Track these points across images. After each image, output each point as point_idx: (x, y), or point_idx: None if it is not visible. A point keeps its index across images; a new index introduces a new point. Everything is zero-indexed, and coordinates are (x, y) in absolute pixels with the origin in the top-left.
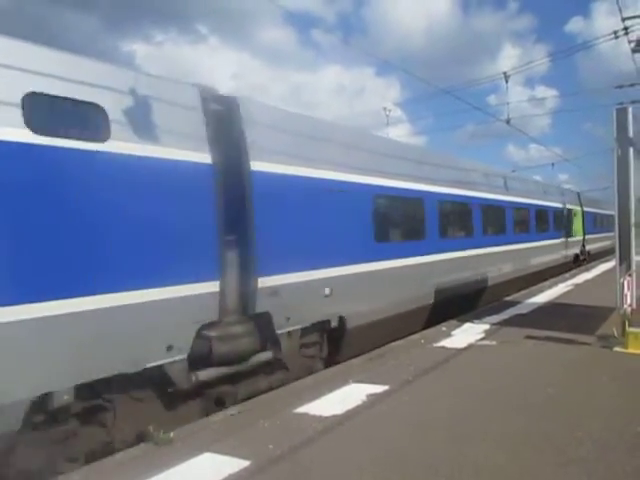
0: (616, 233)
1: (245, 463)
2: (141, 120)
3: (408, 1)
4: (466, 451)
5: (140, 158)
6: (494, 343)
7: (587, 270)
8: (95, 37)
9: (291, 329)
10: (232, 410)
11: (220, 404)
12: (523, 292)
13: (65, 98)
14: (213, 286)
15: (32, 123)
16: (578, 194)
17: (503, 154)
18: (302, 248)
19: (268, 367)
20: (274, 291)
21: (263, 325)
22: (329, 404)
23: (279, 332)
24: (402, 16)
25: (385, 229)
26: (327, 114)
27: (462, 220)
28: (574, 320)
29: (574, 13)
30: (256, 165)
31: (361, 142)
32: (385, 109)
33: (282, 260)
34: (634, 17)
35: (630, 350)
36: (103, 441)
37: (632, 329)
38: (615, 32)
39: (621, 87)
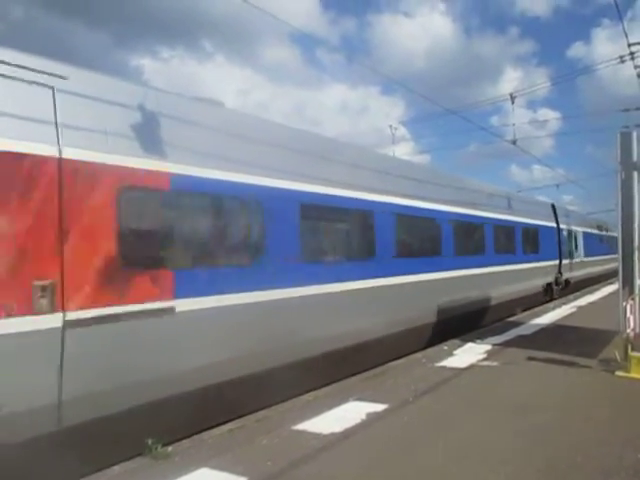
0: (619, 256)
1: None
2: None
3: (411, 24)
4: (464, 471)
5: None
6: (496, 364)
7: (590, 293)
8: (106, 51)
9: None
10: (230, 425)
11: None
12: (526, 313)
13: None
14: None
15: None
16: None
17: (506, 174)
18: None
19: None
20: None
21: None
22: (328, 422)
23: None
24: (405, 38)
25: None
26: (331, 132)
27: None
28: (576, 342)
29: (575, 39)
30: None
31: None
32: (391, 127)
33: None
34: None
35: (632, 375)
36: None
37: (635, 353)
38: (621, 57)
39: (627, 110)
